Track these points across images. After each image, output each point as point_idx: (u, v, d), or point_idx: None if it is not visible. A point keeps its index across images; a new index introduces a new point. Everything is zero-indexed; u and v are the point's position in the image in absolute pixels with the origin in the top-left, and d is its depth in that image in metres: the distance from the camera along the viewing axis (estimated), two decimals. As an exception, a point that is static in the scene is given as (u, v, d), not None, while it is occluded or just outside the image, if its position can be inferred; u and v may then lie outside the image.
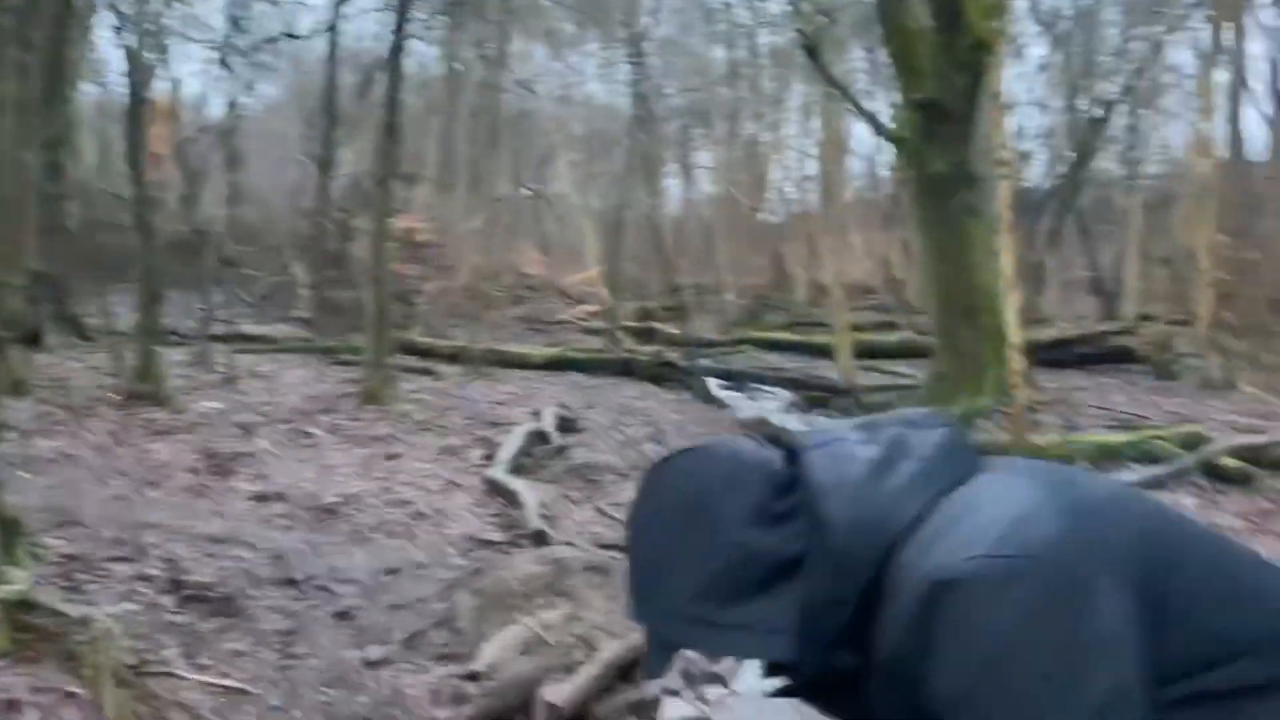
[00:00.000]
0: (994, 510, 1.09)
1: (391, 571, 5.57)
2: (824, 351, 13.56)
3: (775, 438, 1.24)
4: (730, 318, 18.46)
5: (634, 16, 16.74)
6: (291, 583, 5.16)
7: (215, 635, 4.48)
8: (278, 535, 6.03)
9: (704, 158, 25.23)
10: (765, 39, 26.54)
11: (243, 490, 6.86)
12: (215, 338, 10.64)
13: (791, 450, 1.19)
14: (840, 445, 1.18)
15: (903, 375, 12.49)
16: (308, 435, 8.43)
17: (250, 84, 14.34)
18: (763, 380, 13.54)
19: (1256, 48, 22.36)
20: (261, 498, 6.73)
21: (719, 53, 26.37)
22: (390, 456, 8.00)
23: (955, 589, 1.04)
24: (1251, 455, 7.56)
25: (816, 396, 12.44)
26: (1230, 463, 7.47)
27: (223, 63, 13.16)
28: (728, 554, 1.12)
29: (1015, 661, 1.02)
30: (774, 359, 14.41)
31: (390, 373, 10.00)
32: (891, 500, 1.12)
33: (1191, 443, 7.84)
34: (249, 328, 12.68)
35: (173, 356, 9.87)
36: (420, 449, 8.33)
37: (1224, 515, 6.73)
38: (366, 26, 20.35)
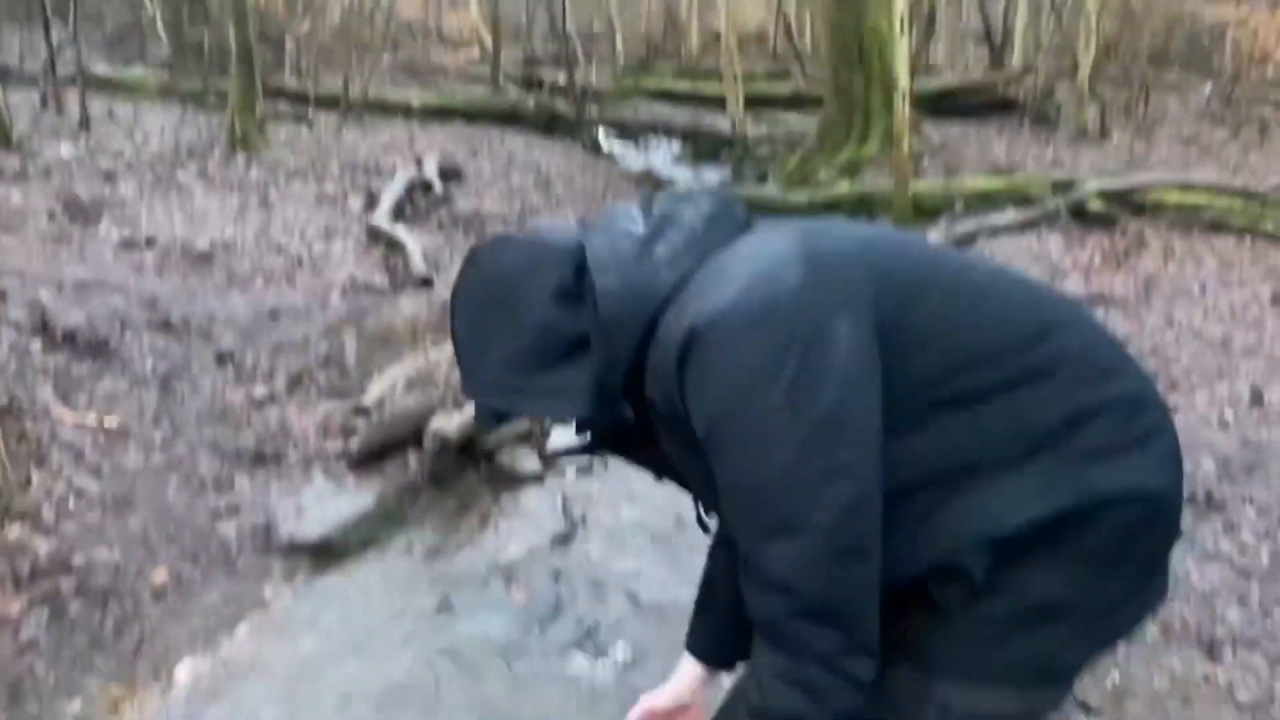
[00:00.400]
0: (744, 266, 1.22)
1: (273, 314, 5.49)
2: (716, 102, 13.30)
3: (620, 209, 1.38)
4: (620, 67, 17.86)
5: None
6: (167, 326, 5.04)
7: (90, 378, 4.38)
8: (150, 280, 5.84)
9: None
10: None
11: (109, 237, 6.55)
12: (63, 79, 9.82)
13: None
14: (616, 225, 1.31)
15: (793, 125, 12.40)
16: (175, 182, 8.02)
17: None
18: (652, 131, 13.30)
19: None
20: (130, 244, 6.45)
21: None
22: (264, 203, 7.71)
23: (702, 337, 1.17)
24: (1117, 199, 7.85)
25: (706, 147, 12.32)
26: (1096, 205, 7.76)
27: None
28: (532, 332, 1.26)
29: (753, 395, 1.15)
30: (664, 110, 14.11)
31: (260, 117, 9.47)
32: (655, 269, 1.25)
33: (1062, 187, 8.08)
34: (100, 69, 11.74)
35: (17, 99, 9.13)
36: (297, 197, 8.04)
37: (1085, 253, 7.06)
38: None
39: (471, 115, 12.71)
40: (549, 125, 12.83)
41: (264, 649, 3.04)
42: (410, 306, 5.67)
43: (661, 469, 1.46)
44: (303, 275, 6.35)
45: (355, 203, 8.01)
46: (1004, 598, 1.21)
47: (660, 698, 1.67)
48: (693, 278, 1.24)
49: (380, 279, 6.36)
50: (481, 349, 1.30)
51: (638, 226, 1.30)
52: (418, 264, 6.42)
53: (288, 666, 2.95)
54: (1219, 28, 14.16)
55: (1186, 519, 3.42)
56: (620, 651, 3.05)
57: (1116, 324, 5.65)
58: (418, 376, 4.62)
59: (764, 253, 1.24)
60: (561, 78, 14.21)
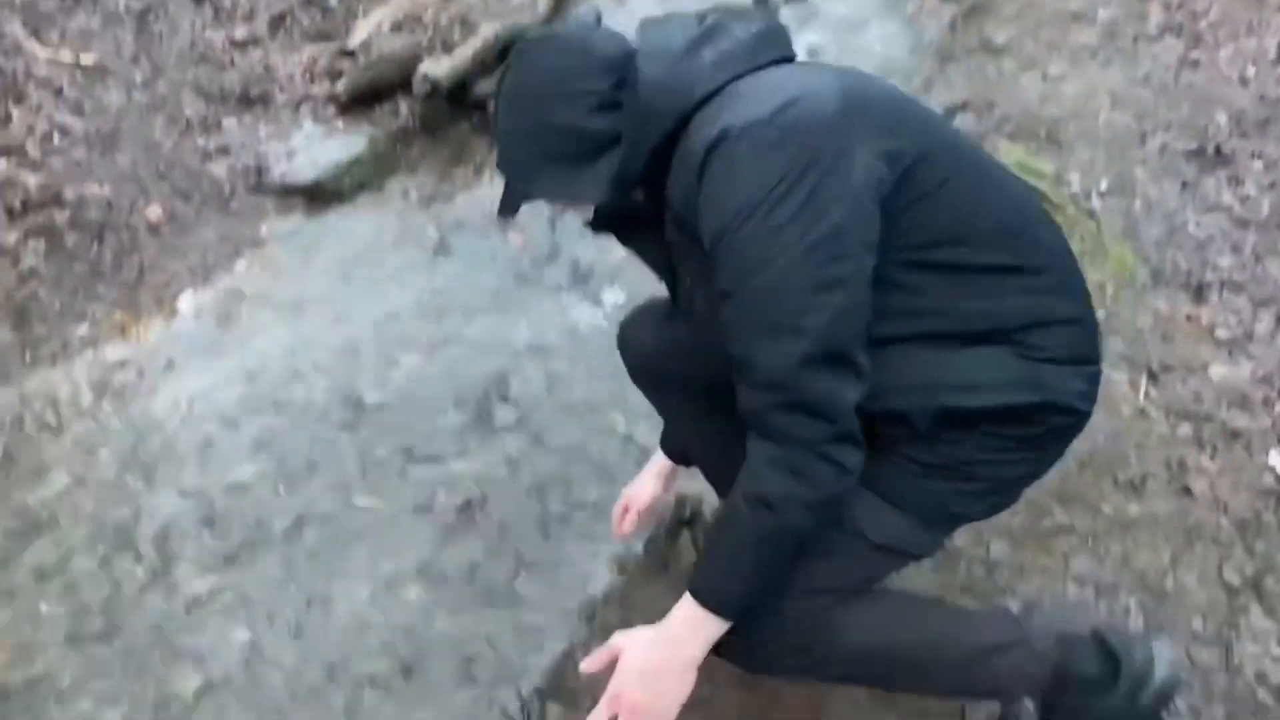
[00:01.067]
0: (784, 86, 1.27)
1: None
2: None
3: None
4: None
5: None
6: None
7: (61, 14, 4.15)
8: None
9: None
10: None
11: None
12: None
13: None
14: (671, 25, 1.37)
15: None
16: None
17: None
18: None
19: None
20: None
21: None
22: None
23: (732, 140, 1.22)
24: None
25: None
26: None
27: None
28: (565, 134, 1.34)
29: (769, 204, 1.20)
30: None
31: None
32: (699, 69, 1.31)
33: None
34: None
35: None
36: None
37: None
38: None
39: None
40: None
41: (263, 282, 3.08)
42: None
43: (656, 264, 1.59)
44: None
45: None
46: (936, 448, 1.36)
47: (640, 490, 1.93)
48: (732, 87, 1.30)
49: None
50: (516, 140, 1.40)
51: (691, 31, 1.35)
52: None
53: (287, 297, 3.00)
54: None
55: (1192, 171, 3.40)
56: (613, 294, 3.10)
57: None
58: (404, 18, 4.39)
59: (806, 79, 1.30)
60: None
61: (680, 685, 1.34)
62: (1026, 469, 1.43)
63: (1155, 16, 4.82)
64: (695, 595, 1.32)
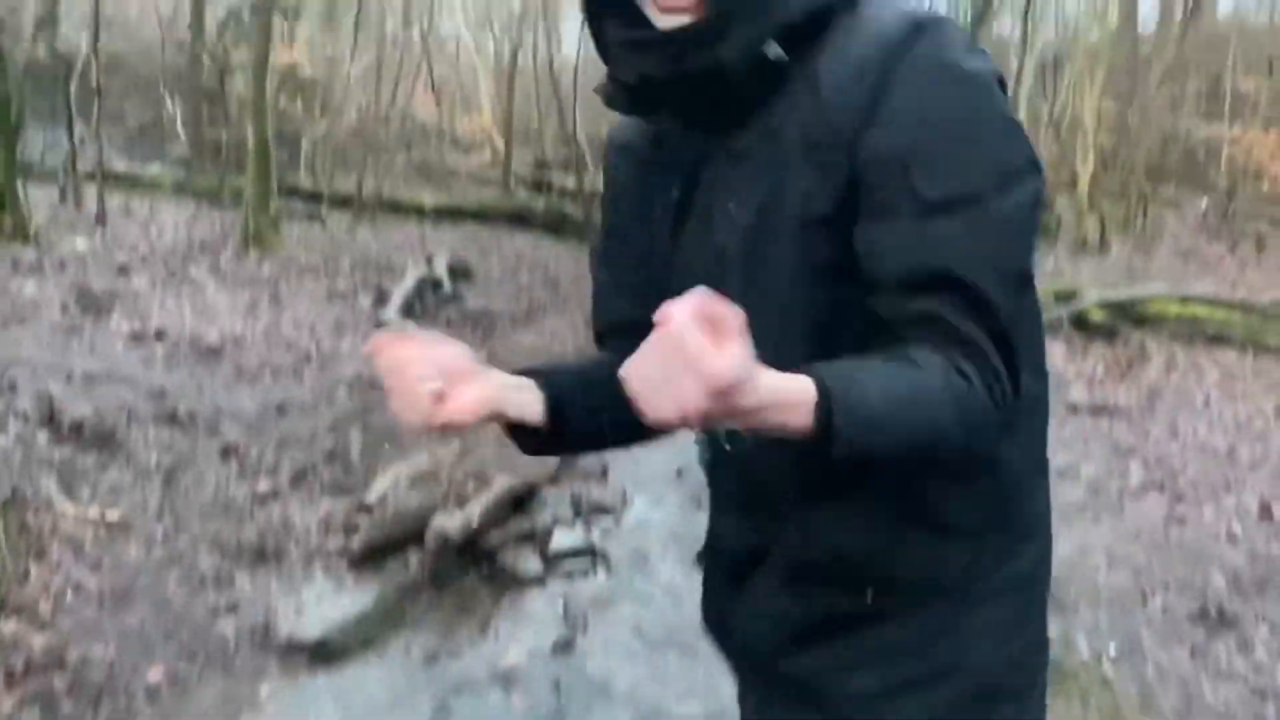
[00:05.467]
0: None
1: (279, 409, 5.51)
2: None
3: None
4: (627, 171, 18.25)
5: None
6: (174, 419, 5.06)
7: (95, 470, 4.39)
8: (158, 373, 5.87)
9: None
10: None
11: (120, 330, 6.61)
12: (83, 175, 10.04)
13: None
14: None
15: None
16: (188, 277, 8.13)
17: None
18: (658, 234, 13.51)
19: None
20: (140, 337, 6.50)
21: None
22: (275, 299, 7.80)
23: (935, 33, 1.02)
24: (1118, 310, 7.94)
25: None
26: (1098, 316, 7.84)
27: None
28: None
29: (1006, 128, 1.04)
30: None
31: (274, 215, 9.65)
32: None
33: (1064, 297, 8.18)
34: (120, 165, 12.01)
35: (37, 193, 9.32)
36: (307, 293, 8.14)
37: (1089, 364, 7.10)
38: None
39: (482, 216, 12.94)
40: (557, 227, 13.05)
41: (257, 753, 2.98)
42: (416, 404, 5.68)
43: (668, 166, 1.18)
44: (310, 371, 6.39)
45: (365, 300, 8.10)
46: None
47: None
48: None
49: (387, 376, 6.39)
50: None
51: None
52: (425, 361, 6.46)
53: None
54: (1214, 144, 14.48)
55: (1200, 635, 3.39)
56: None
57: (1121, 435, 5.66)
58: (421, 474, 4.62)
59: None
60: (571, 181, 14.50)
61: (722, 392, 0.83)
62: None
63: (1136, 473, 5.06)
64: (828, 391, 0.92)
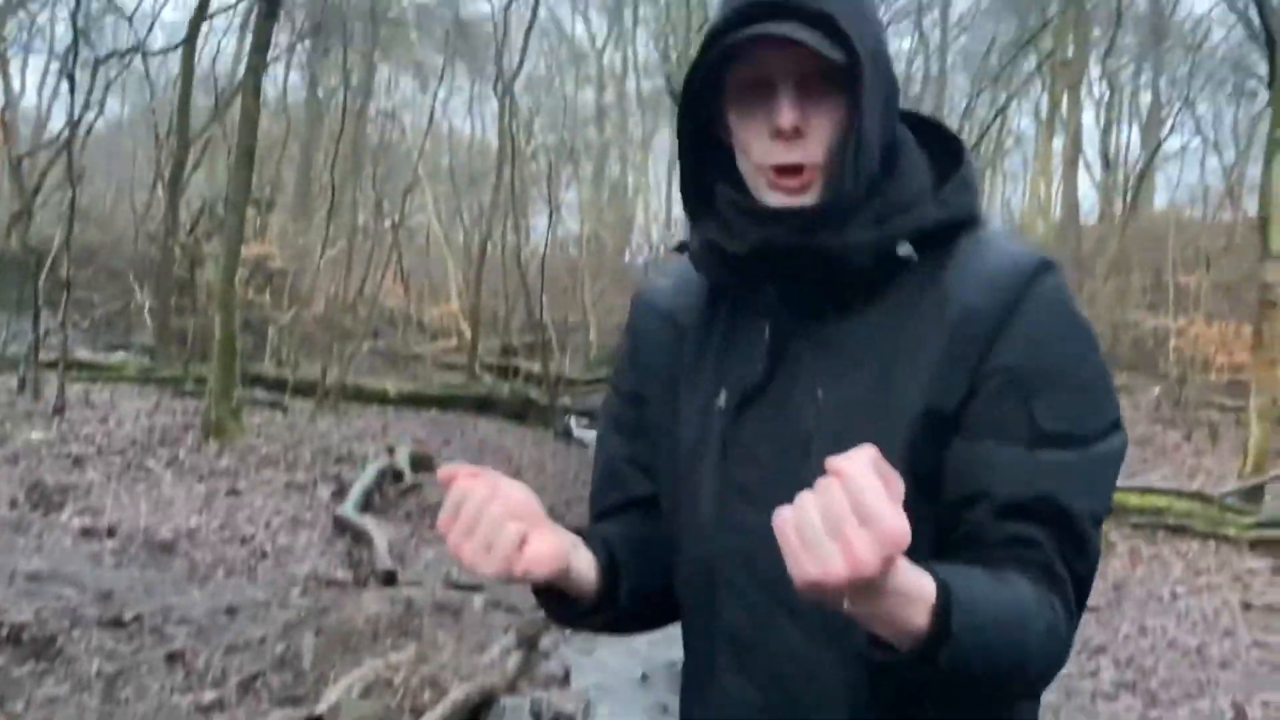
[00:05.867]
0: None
1: (230, 611, 5.32)
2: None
3: None
4: (593, 356, 18.51)
5: (503, 54, 16.76)
6: (119, 623, 4.86)
7: (31, 680, 4.18)
8: (107, 573, 5.69)
9: (571, 196, 25.39)
10: (634, 84, 27.05)
11: (70, 525, 6.45)
12: (45, 364, 10.01)
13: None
14: None
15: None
16: (144, 468, 8.00)
17: (94, 99, 13.65)
18: (622, 420, 13.58)
19: (1089, 117, 24.04)
20: (91, 533, 6.34)
21: (588, 94, 26.72)
22: (233, 492, 7.67)
23: (1057, 269, 1.06)
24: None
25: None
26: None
27: (67, 76, 12.51)
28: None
29: (1103, 370, 1.06)
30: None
31: (236, 404, 9.61)
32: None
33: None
34: (83, 354, 12.00)
35: (-3, 382, 9.26)
36: (265, 484, 8.02)
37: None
38: (226, 46, 19.82)
39: (446, 403, 12.97)
40: (522, 413, 13.09)
41: None
42: (373, 604, 5.53)
43: (748, 344, 1.12)
44: (265, 568, 6.22)
45: (324, 492, 7.99)
46: None
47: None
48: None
49: (344, 573, 6.24)
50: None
51: None
52: (383, 557, 6.32)
53: None
54: (1161, 334, 15.00)
55: None
56: None
57: (1091, 632, 5.59)
58: (376, 680, 4.44)
59: None
60: (536, 366, 14.66)
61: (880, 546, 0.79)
62: None
63: (1108, 673, 4.98)
64: (947, 591, 0.87)
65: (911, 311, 1.05)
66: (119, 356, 12.60)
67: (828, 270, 1.05)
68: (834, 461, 0.81)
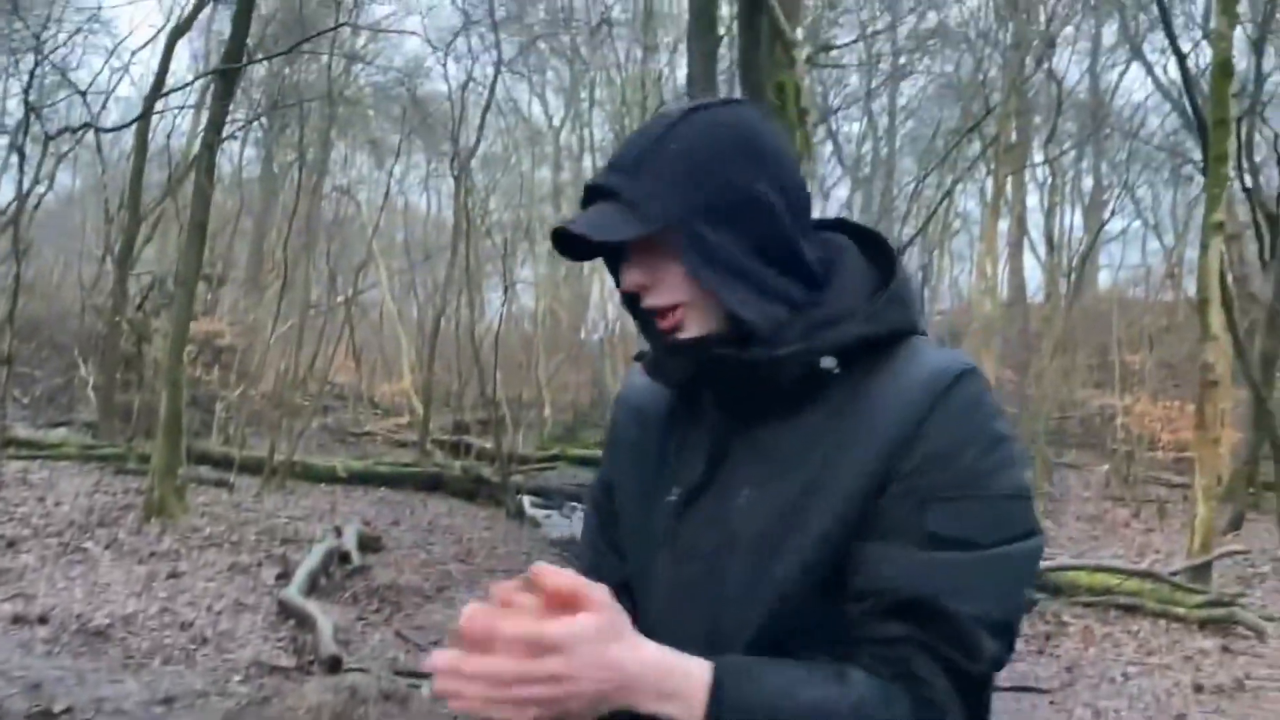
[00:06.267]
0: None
1: (167, 700, 5.13)
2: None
3: None
4: (547, 434, 18.41)
5: (459, 132, 16.94)
6: (49, 715, 4.66)
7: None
8: (37, 662, 5.47)
9: (527, 273, 25.49)
10: (590, 162, 27.41)
11: (1, 613, 6.21)
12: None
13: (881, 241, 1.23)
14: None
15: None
16: (82, 550, 7.76)
17: (44, 174, 13.55)
18: (577, 498, 13.47)
19: (1033, 200, 24.73)
20: (21, 620, 6.10)
21: (545, 173, 27.02)
22: (174, 574, 7.45)
23: (973, 379, 1.09)
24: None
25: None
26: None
27: (17, 151, 12.41)
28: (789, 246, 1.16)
29: (1019, 475, 1.08)
30: (589, 476, 14.39)
31: (181, 483, 9.39)
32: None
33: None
34: (23, 431, 11.71)
35: (-70, 460, 8.99)
36: (208, 566, 7.80)
37: (1008, 637, 7.06)
38: (181, 122, 19.82)
39: (396, 481, 12.78)
40: (473, 492, 12.93)
41: None
42: (316, 694, 5.35)
43: (696, 442, 1.19)
44: (205, 654, 6.02)
45: (269, 574, 7.79)
46: None
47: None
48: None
49: (287, 659, 6.05)
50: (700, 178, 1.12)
51: None
52: (328, 643, 6.14)
53: None
54: (1108, 412, 15.24)
55: None
56: None
57: (1045, 714, 5.55)
58: (316, 778, 4.28)
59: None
60: (489, 444, 14.53)
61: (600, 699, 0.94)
62: None
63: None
64: (718, 684, 0.96)
65: (838, 420, 1.11)
66: (60, 433, 12.31)
67: (758, 382, 1.12)
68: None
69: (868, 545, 1.05)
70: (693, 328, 1.14)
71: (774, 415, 1.14)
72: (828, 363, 1.11)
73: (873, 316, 1.13)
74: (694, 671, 0.97)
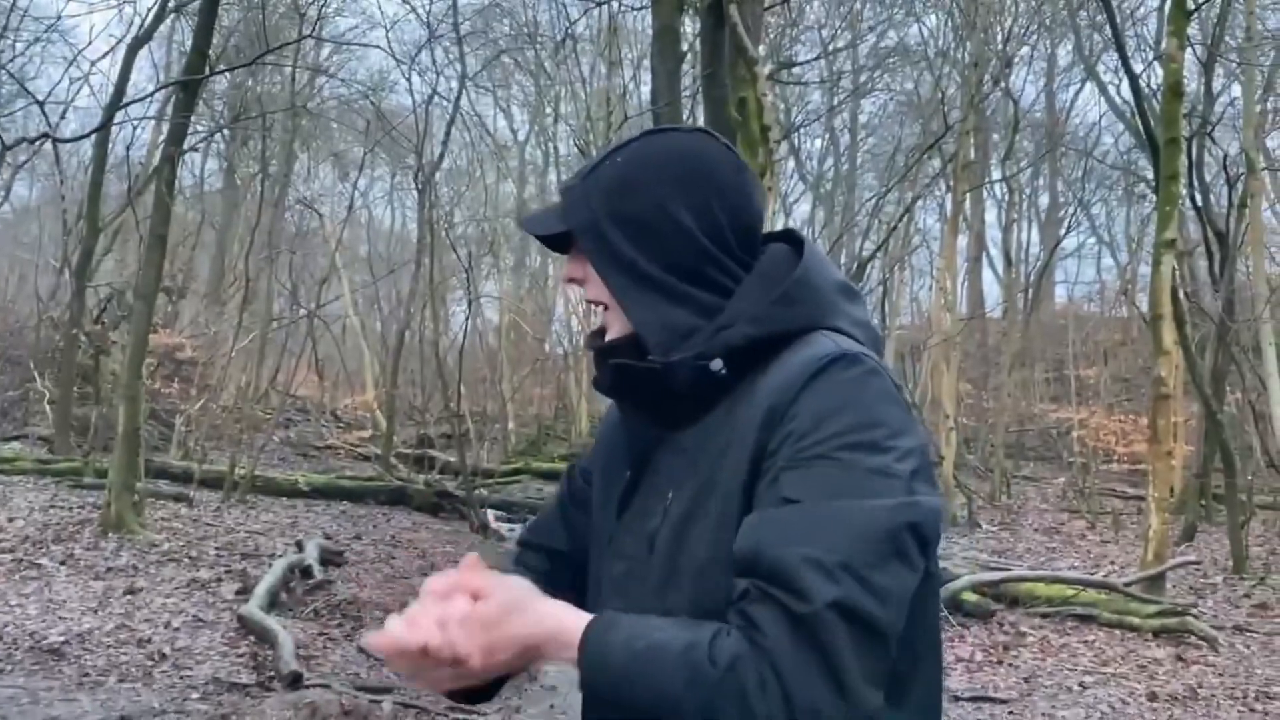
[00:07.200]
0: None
1: (122, 719, 5.06)
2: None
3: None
4: (511, 447, 18.35)
5: (424, 146, 16.90)
6: (-1, 736, 4.59)
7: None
8: (-12, 681, 5.38)
9: (491, 286, 25.44)
10: (555, 177, 27.45)
11: (-50, 630, 6.10)
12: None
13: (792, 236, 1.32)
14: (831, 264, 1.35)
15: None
16: (36, 566, 7.64)
17: (1, 184, 13.37)
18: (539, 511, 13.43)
19: (991, 216, 25.11)
20: (-28, 638, 6.00)
21: (509, 187, 27.00)
22: (131, 590, 7.35)
23: (851, 363, 1.14)
24: (990, 590, 8.10)
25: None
26: (971, 597, 7.97)
27: (-27, 160, 12.23)
28: (697, 231, 1.25)
29: (884, 444, 1.10)
30: (554, 490, 14.35)
31: (139, 498, 9.28)
32: (839, 309, 1.24)
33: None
34: (-23, 445, 11.51)
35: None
36: (166, 582, 7.71)
37: (966, 647, 7.14)
38: (141, 133, 19.63)
39: (359, 495, 12.70)
40: (437, 506, 12.87)
41: None
42: (276, 711, 5.31)
43: (617, 449, 1.33)
44: (162, 671, 5.94)
45: (229, 589, 7.70)
46: None
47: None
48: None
49: (247, 676, 5.99)
50: (626, 195, 1.24)
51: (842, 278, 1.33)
52: (288, 659, 6.09)
53: None
54: (1065, 425, 15.46)
55: None
56: None
57: (1003, 725, 5.63)
58: (276, 794, 4.24)
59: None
60: (453, 458, 14.47)
61: (519, 644, 1.11)
62: None
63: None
64: (587, 629, 1.10)
65: (730, 417, 1.19)
66: (14, 447, 12.11)
67: (658, 387, 1.22)
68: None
69: (745, 519, 1.12)
70: (614, 328, 1.27)
71: (685, 419, 1.23)
72: (715, 365, 1.20)
73: (758, 318, 1.20)
74: (578, 625, 1.10)
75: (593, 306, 1.30)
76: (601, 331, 1.31)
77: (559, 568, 1.42)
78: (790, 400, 1.13)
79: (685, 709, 1.03)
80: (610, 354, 1.26)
